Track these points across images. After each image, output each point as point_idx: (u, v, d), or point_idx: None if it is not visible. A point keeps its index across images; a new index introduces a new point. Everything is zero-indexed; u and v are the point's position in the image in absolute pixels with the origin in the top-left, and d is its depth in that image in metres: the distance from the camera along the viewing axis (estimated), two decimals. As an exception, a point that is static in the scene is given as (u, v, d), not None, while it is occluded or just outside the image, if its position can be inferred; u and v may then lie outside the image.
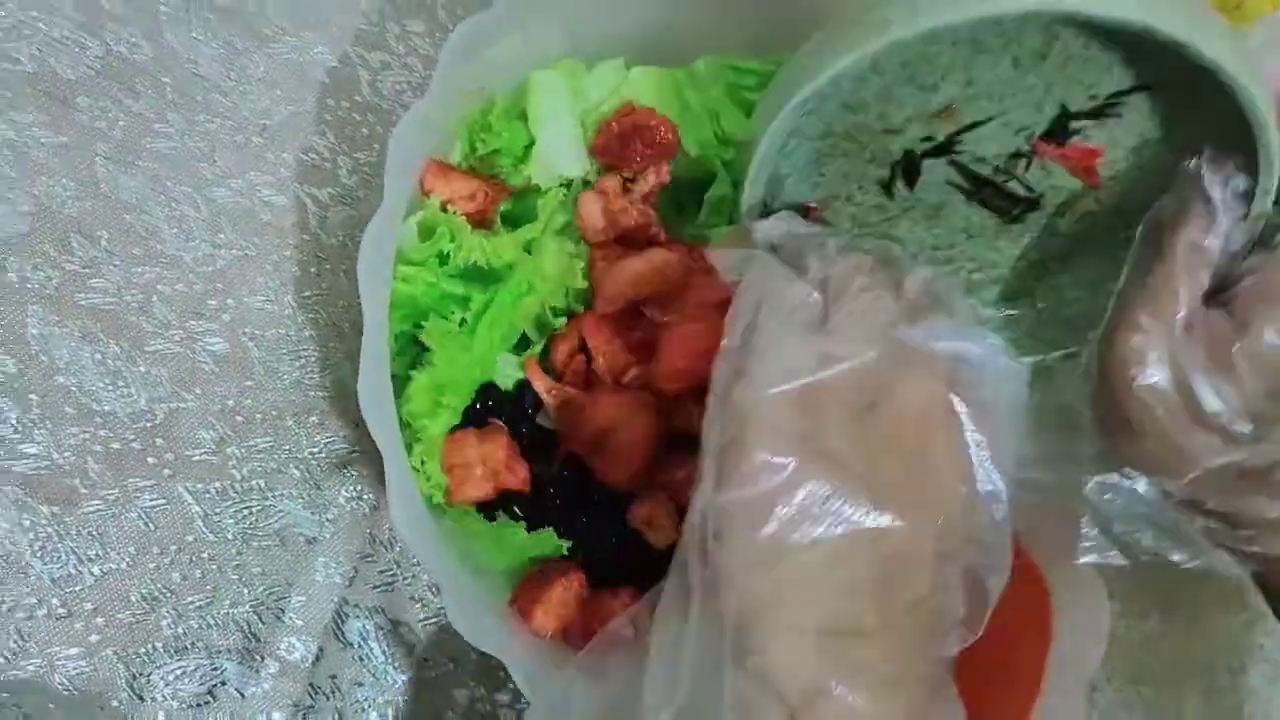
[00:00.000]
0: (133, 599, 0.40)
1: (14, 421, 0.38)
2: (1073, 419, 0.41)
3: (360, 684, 0.45)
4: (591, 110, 0.45)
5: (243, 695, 0.42)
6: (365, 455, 0.46)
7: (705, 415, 0.34)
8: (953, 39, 0.38)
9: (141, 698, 0.40)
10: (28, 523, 0.38)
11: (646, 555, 0.45)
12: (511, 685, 0.49)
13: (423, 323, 0.40)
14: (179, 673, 0.41)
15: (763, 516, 0.32)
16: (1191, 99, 0.39)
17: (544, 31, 0.43)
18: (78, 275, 0.40)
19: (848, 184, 0.45)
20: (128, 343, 0.41)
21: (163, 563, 0.41)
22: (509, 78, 0.43)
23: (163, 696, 0.40)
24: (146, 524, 0.41)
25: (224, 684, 0.42)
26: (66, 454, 0.39)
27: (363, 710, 0.44)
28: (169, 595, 0.41)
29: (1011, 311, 0.50)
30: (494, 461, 0.39)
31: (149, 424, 0.41)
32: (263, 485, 0.43)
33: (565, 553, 0.43)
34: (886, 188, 0.45)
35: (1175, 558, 0.40)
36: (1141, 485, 0.39)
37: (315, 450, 0.45)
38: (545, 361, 0.43)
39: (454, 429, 0.40)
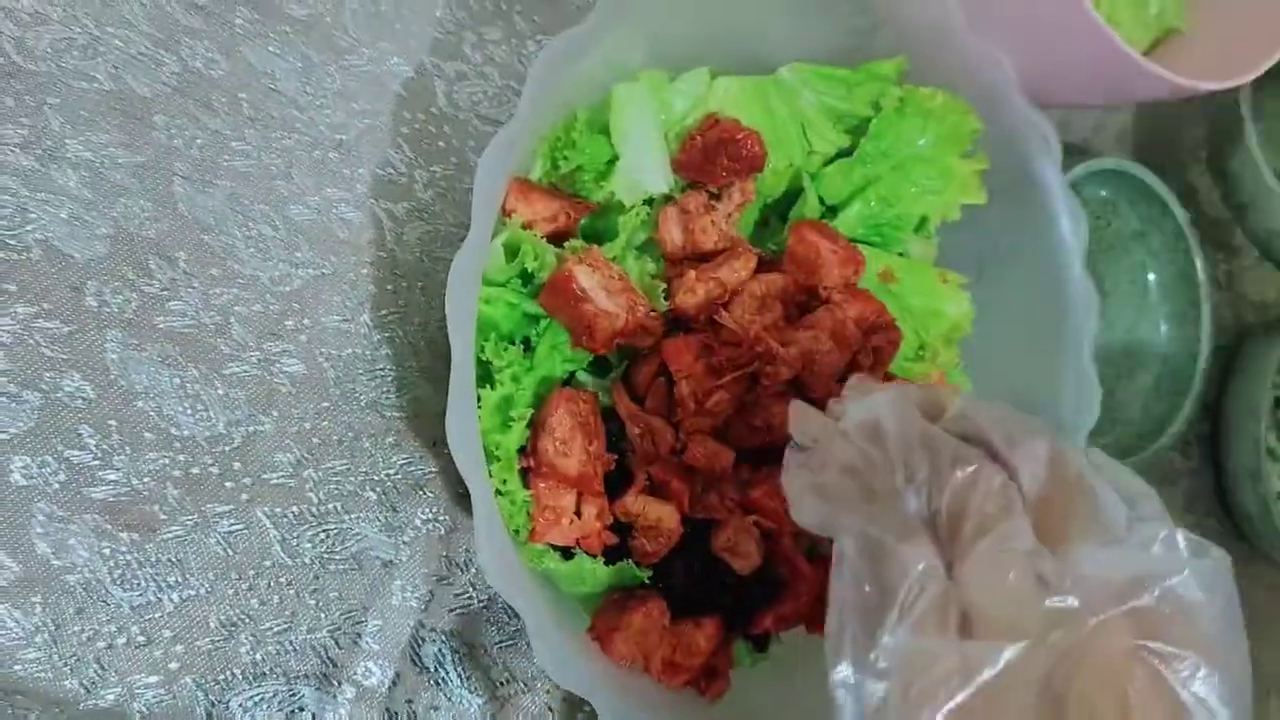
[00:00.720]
0: (212, 625, 0.40)
1: (93, 448, 0.38)
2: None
3: (436, 708, 0.44)
4: (675, 123, 0.44)
5: (319, 721, 0.41)
6: (441, 476, 0.45)
7: None
8: None
9: (220, 725, 0.39)
10: (108, 550, 0.38)
11: (730, 582, 0.43)
12: (587, 708, 0.48)
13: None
14: (257, 699, 0.40)
15: None
16: None
17: (626, 43, 0.41)
18: (156, 298, 0.39)
19: None
20: (206, 366, 0.40)
21: (241, 588, 0.40)
22: (591, 90, 0.42)
23: (241, 723, 0.40)
24: (226, 549, 0.40)
25: (301, 710, 0.41)
26: (146, 480, 0.39)
27: (438, 735, 0.44)
28: (247, 621, 0.40)
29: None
30: (589, 525, 0.38)
31: (227, 448, 0.40)
32: (339, 508, 0.42)
33: (646, 581, 0.41)
34: None
35: None
36: None
37: (391, 472, 0.44)
38: (627, 385, 0.42)
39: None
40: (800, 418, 0.33)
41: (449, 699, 0.44)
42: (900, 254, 0.49)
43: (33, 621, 0.37)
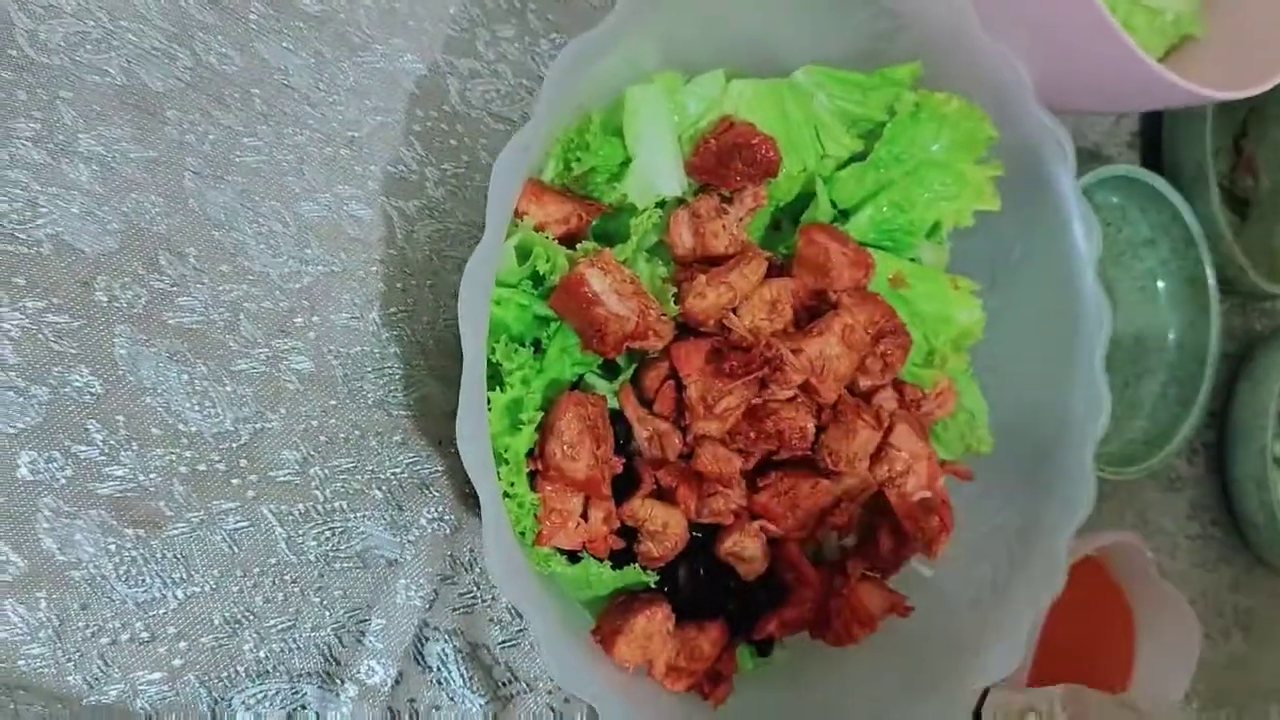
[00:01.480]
0: (216, 622, 0.40)
1: (100, 443, 0.38)
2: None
3: (438, 707, 0.44)
4: (689, 125, 0.44)
5: None
6: (447, 475, 0.45)
7: None
8: None
9: (223, 722, 0.39)
10: (113, 546, 0.38)
11: (735, 587, 0.43)
12: (587, 708, 0.48)
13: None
14: (260, 696, 0.40)
15: None
16: None
17: (642, 45, 0.41)
18: (166, 294, 0.39)
19: None
20: (215, 362, 0.40)
21: (246, 585, 0.40)
22: (605, 92, 0.41)
23: (243, 720, 0.40)
24: (231, 547, 0.40)
25: (304, 708, 0.41)
26: (152, 475, 0.39)
27: (441, 734, 0.44)
28: (252, 619, 0.40)
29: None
30: (596, 529, 0.38)
31: (234, 445, 0.40)
32: (345, 506, 0.42)
33: (651, 585, 0.41)
34: None
35: None
36: None
37: (397, 470, 0.44)
38: (636, 388, 0.42)
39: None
40: None
41: (451, 698, 0.44)
42: (912, 259, 0.48)
43: (37, 617, 0.37)
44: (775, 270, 0.43)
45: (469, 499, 0.45)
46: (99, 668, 0.38)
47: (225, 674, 0.40)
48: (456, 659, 0.45)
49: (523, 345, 0.39)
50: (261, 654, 0.40)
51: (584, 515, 0.39)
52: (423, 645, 0.44)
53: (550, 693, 0.46)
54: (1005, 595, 0.48)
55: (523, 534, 0.39)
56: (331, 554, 0.42)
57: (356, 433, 0.43)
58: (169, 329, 0.39)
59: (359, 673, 0.42)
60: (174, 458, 0.39)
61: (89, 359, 0.38)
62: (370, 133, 0.44)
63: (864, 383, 0.43)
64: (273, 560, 0.41)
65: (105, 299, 0.38)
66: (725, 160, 0.42)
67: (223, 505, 0.40)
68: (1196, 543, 0.75)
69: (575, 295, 0.37)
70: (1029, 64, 0.45)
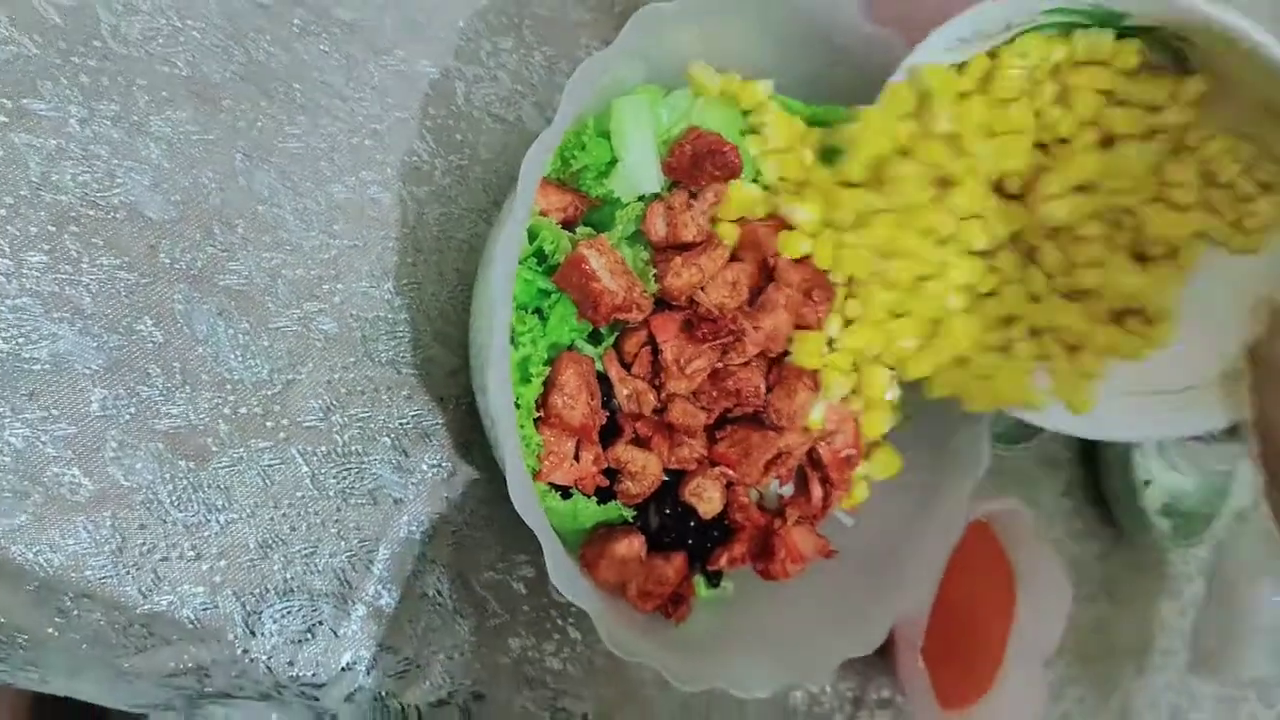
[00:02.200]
0: (250, 546, 0.46)
1: (160, 386, 0.44)
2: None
3: (433, 629, 0.50)
4: (663, 132, 0.51)
5: (336, 634, 0.47)
6: (446, 427, 0.51)
7: None
8: None
9: (253, 633, 0.45)
10: (168, 475, 0.44)
11: (695, 525, 0.51)
12: (556, 636, 0.55)
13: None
14: (285, 611, 0.46)
15: None
16: None
17: (631, 64, 0.49)
18: (217, 259, 0.45)
19: None
20: (255, 320, 0.46)
21: (276, 515, 0.46)
22: (599, 101, 0.49)
23: (270, 633, 0.46)
24: (265, 481, 0.46)
25: (321, 624, 0.47)
26: (202, 416, 0.44)
27: (434, 652, 0.50)
28: (280, 544, 0.46)
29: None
30: (586, 469, 0.45)
31: (270, 392, 0.46)
32: (360, 450, 0.49)
33: (628, 520, 0.49)
34: None
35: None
36: None
37: (404, 421, 0.50)
38: (618, 353, 0.49)
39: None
40: None
41: (443, 621, 0.51)
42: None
43: (103, 534, 0.42)
44: (734, 256, 0.51)
45: (464, 449, 0.52)
46: (152, 580, 0.43)
47: (256, 590, 0.46)
48: (450, 588, 0.51)
49: (528, 313, 0.46)
50: (288, 575, 0.46)
51: (576, 457, 0.46)
52: (421, 575, 0.51)
53: (528, 623, 0.53)
54: (914, 542, 0.57)
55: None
56: (347, 491, 0.48)
57: (371, 386, 0.49)
58: (219, 289, 0.45)
59: (368, 595, 0.49)
60: (220, 401, 0.45)
61: (152, 312, 0.43)
62: (390, 126, 0.50)
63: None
64: (299, 494, 0.47)
65: (168, 261, 0.44)
66: (699, 163, 0.49)
67: (259, 444, 0.46)
68: (1070, 516, 0.85)
69: (577, 271, 0.44)
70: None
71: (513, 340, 0.44)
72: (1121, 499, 0.84)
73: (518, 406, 0.44)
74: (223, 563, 0.45)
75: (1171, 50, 0.49)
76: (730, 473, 0.49)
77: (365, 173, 0.49)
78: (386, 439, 0.50)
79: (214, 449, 0.45)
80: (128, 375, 0.43)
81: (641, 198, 0.50)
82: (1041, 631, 0.77)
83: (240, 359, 0.46)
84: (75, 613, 0.42)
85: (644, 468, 0.47)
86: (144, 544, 0.43)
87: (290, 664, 0.46)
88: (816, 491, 0.53)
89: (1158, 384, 0.53)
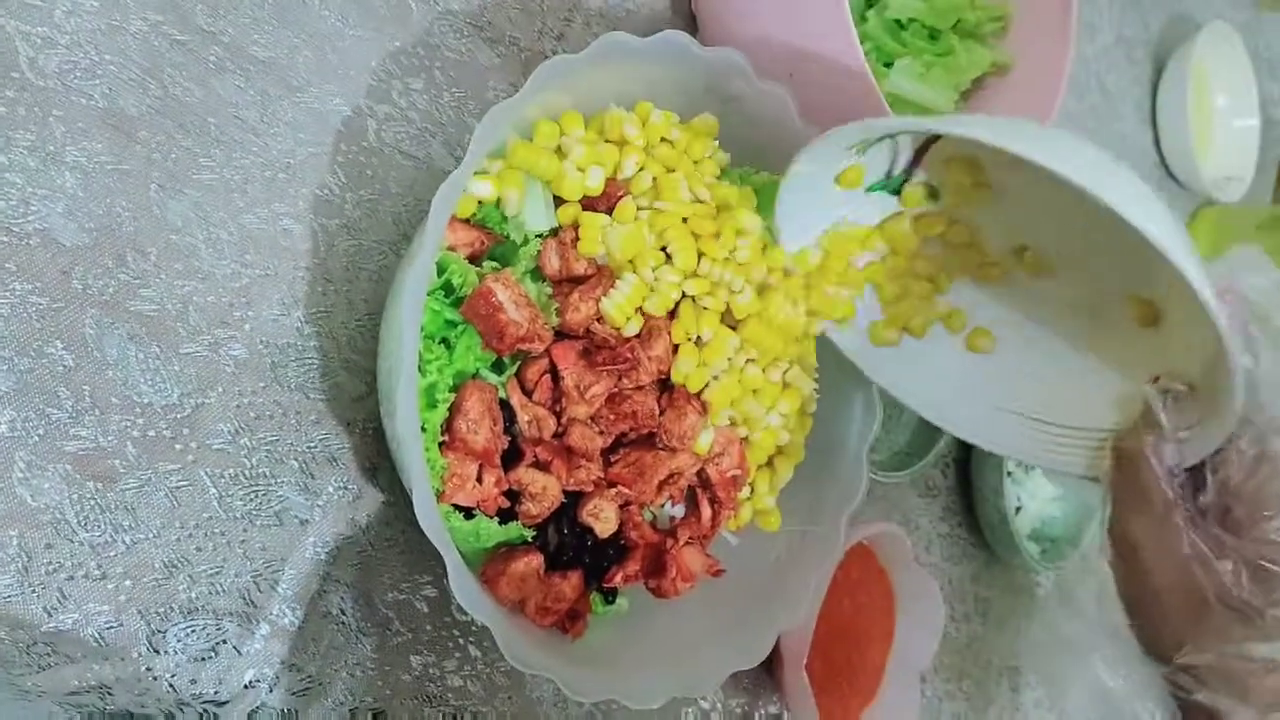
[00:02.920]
0: (156, 565, 0.47)
1: (69, 408, 0.45)
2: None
3: (335, 647, 0.52)
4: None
5: (239, 652, 0.49)
6: (352, 451, 0.53)
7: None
8: None
9: (157, 651, 0.46)
10: (75, 496, 0.45)
11: (592, 544, 0.54)
12: (457, 655, 0.57)
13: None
14: (189, 630, 0.47)
15: None
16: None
17: (532, 109, 0.52)
18: (130, 285, 0.46)
19: None
20: (166, 345, 0.47)
21: (183, 535, 0.47)
22: (498, 144, 0.51)
23: (174, 651, 0.47)
24: (172, 502, 0.47)
25: (225, 642, 0.48)
26: (110, 438, 0.46)
27: (336, 670, 0.52)
28: (186, 564, 0.47)
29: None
30: (488, 491, 0.48)
31: (179, 415, 0.47)
32: (267, 473, 0.50)
33: (528, 539, 0.51)
34: None
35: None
36: None
37: (311, 445, 0.52)
38: (519, 381, 0.52)
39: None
40: None
41: (346, 640, 0.52)
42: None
43: (8, 552, 0.43)
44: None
45: (370, 472, 0.53)
46: (57, 599, 0.44)
47: (161, 609, 0.46)
48: (353, 607, 0.53)
49: (435, 342, 0.48)
50: (193, 594, 0.47)
51: (479, 479, 0.48)
52: (325, 594, 0.52)
53: (428, 644, 0.55)
54: (795, 560, 0.60)
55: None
56: (254, 512, 0.50)
57: (280, 411, 0.51)
58: (130, 315, 0.46)
59: (272, 614, 0.50)
60: (129, 424, 0.46)
61: (63, 336, 0.45)
62: (303, 161, 0.52)
63: None
64: (206, 515, 0.48)
65: (80, 286, 0.45)
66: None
67: (167, 466, 0.47)
68: (946, 540, 0.90)
69: (485, 303, 0.47)
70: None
71: (420, 368, 0.47)
72: (993, 524, 0.89)
73: (424, 431, 0.46)
74: (128, 582, 0.46)
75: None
76: (627, 491, 0.52)
77: (277, 205, 0.51)
78: (294, 462, 0.51)
79: (122, 470, 0.46)
80: (36, 397, 0.44)
81: (540, 235, 0.53)
82: (918, 648, 0.81)
83: (150, 383, 0.47)
84: (-23, 633, 0.43)
85: (544, 489, 0.50)
86: (50, 563, 0.44)
87: (193, 682, 0.47)
88: (706, 511, 0.56)
89: (1042, 413, 0.57)
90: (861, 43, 0.59)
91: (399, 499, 0.54)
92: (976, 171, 0.55)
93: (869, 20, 0.71)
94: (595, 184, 0.52)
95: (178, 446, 0.47)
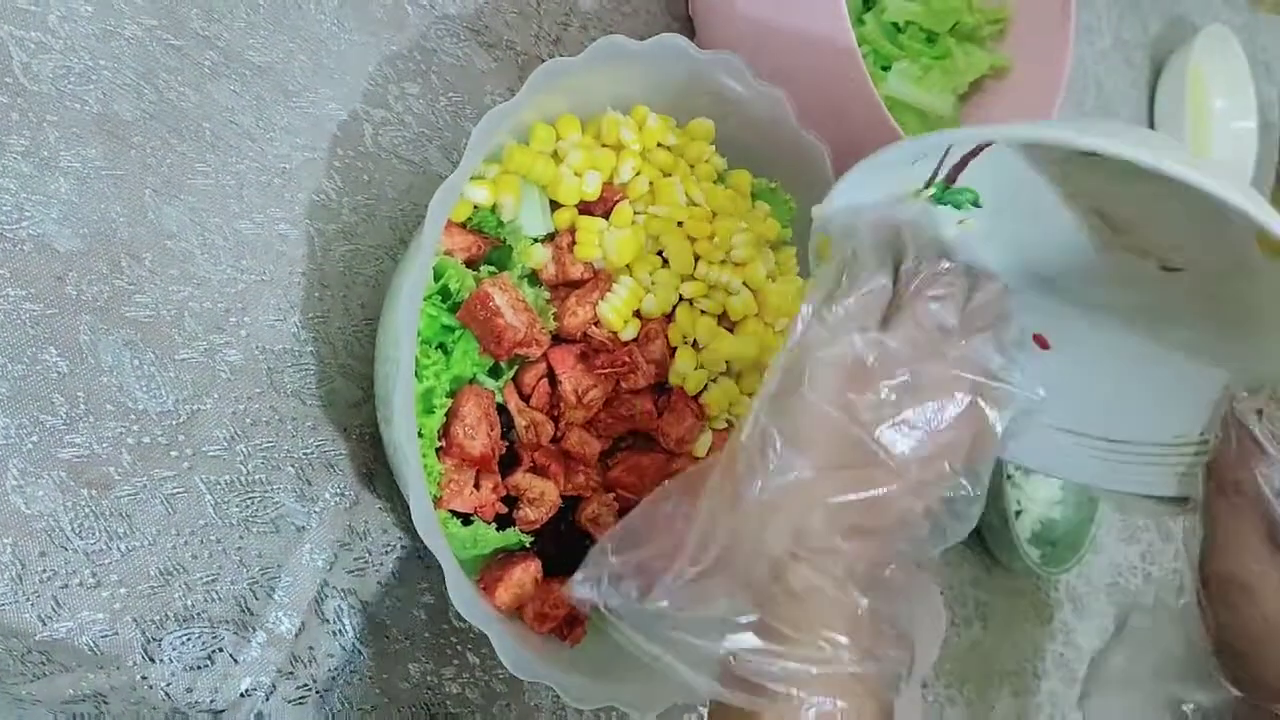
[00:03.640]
0: (151, 573, 0.46)
1: (64, 414, 0.44)
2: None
3: (332, 655, 0.52)
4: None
5: (235, 660, 0.48)
6: (349, 457, 0.53)
7: (775, 359, 0.41)
8: None
9: (152, 659, 0.46)
10: (70, 503, 0.44)
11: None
12: (455, 662, 0.57)
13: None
14: (185, 638, 0.47)
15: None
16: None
17: (528, 113, 0.52)
18: (125, 291, 0.46)
19: None
20: (161, 351, 0.47)
21: (178, 543, 0.47)
22: (494, 149, 0.51)
23: (169, 659, 0.46)
24: (167, 509, 0.47)
25: (221, 650, 0.48)
26: (105, 445, 0.45)
27: (333, 678, 0.51)
28: (181, 571, 0.47)
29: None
30: (486, 496, 0.47)
31: (174, 422, 0.47)
32: (264, 479, 0.50)
33: (526, 545, 0.51)
34: None
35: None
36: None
37: (308, 451, 0.51)
38: (516, 386, 0.52)
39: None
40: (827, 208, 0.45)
41: (343, 647, 0.52)
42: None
43: (2, 560, 0.42)
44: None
45: (367, 478, 0.53)
46: (51, 607, 0.44)
47: (157, 617, 0.46)
48: (350, 614, 0.52)
49: (432, 347, 0.48)
50: (189, 602, 0.47)
51: (476, 485, 0.48)
52: (322, 601, 0.52)
53: (426, 651, 0.55)
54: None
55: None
56: (250, 519, 0.49)
57: (276, 417, 0.50)
58: (125, 320, 0.46)
59: (268, 622, 0.50)
60: (123, 430, 0.46)
61: (57, 342, 0.44)
62: (299, 165, 0.52)
63: None
64: (201, 522, 0.48)
65: (74, 292, 0.45)
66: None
67: (162, 473, 0.47)
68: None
69: (482, 308, 0.46)
70: (831, 148, 0.58)
71: (417, 373, 0.46)
72: (994, 529, 0.88)
73: (421, 436, 0.45)
74: (123, 590, 0.45)
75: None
76: (626, 495, 0.52)
77: (273, 210, 0.51)
78: (290, 468, 0.51)
79: (117, 477, 0.46)
80: (31, 404, 0.43)
81: (536, 239, 0.53)
82: (919, 654, 0.81)
83: (145, 389, 0.46)
84: (-29, 642, 0.43)
85: (542, 494, 0.49)
86: (44, 571, 0.43)
87: (189, 690, 0.47)
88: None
89: (1109, 431, 0.52)
90: (859, 46, 0.58)
91: (396, 505, 0.54)
92: None
93: (867, 23, 0.71)
94: (592, 189, 0.52)
95: (173, 453, 0.47)
